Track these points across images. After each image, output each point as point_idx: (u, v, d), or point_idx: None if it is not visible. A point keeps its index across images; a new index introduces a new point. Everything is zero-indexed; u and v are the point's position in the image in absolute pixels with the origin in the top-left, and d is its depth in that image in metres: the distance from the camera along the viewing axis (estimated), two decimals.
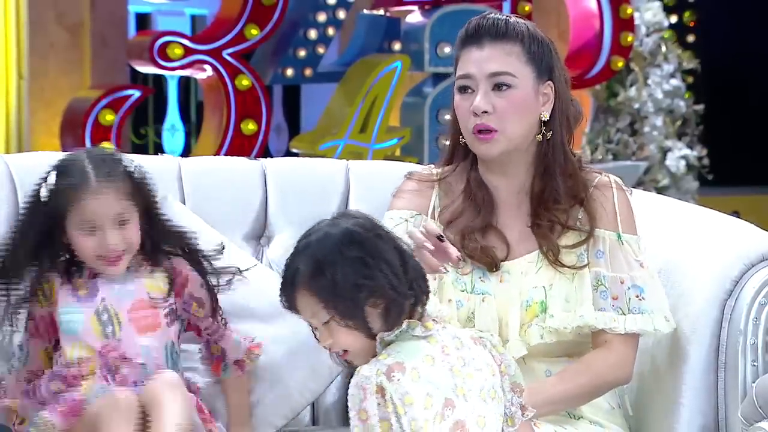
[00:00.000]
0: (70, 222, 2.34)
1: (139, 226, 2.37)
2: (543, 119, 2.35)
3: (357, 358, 2.10)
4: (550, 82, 2.36)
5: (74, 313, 2.35)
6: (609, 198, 2.37)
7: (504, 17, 2.36)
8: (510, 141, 2.33)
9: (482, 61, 2.32)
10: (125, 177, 2.37)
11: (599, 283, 2.32)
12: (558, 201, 2.35)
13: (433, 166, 2.49)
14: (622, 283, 2.32)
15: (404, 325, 2.07)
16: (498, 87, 2.32)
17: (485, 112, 2.31)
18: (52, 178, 2.35)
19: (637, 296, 2.32)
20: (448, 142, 2.46)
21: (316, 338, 2.14)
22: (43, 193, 2.35)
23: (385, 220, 2.42)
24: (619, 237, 2.35)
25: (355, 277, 2.05)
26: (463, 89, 2.35)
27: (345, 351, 2.10)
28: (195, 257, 2.44)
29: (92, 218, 2.33)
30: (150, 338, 2.36)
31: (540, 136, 2.35)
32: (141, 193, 2.39)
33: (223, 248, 2.50)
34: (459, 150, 2.43)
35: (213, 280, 2.46)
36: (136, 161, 2.42)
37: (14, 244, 2.35)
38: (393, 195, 2.46)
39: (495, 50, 2.32)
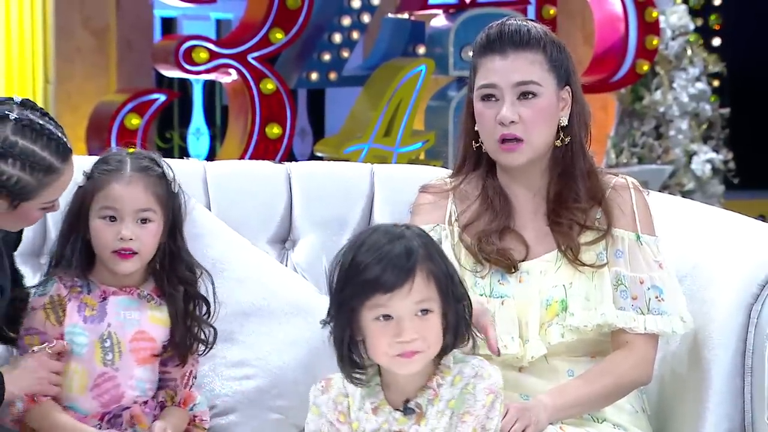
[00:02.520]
0: (94, 207, 2.32)
1: (159, 234, 2.34)
2: (561, 124, 2.36)
3: (421, 362, 2.05)
4: (567, 86, 2.36)
5: (79, 335, 2.31)
6: (627, 199, 2.37)
7: (526, 24, 2.35)
8: (535, 149, 2.33)
9: (507, 70, 2.31)
10: (160, 179, 2.35)
11: (619, 282, 2.32)
12: (578, 201, 2.35)
13: (447, 176, 2.48)
14: (641, 283, 2.32)
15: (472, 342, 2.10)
16: (524, 96, 2.32)
17: (512, 122, 2.31)
18: (91, 165, 2.36)
19: (657, 297, 2.32)
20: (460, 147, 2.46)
21: (350, 375, 2.08)
22: (81, 180, 2.35)
23: None
24: (638, 237, 2.35)
25: (459, 282, 2.07)
26: (487, 98, 2.34)
27: (417, 352, 2.03)
28: (195, 294, 2.39)
29: (116, 205, 2.30)
30: (146, 370, 2.34)
31: (559, 141, 2.36)
32: (172, 205, 2.36)
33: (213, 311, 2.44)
34: (471, 156, 2.42)
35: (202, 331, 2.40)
36: (174, 176, 2.39)
37: (59, 233, 2.37)
38: (410, 211, 2.46)
39: (519, 59, 2.32)
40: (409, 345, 2.02)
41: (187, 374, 2.40)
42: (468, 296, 2.10)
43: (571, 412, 2.25)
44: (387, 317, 2.02)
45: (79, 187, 2.35)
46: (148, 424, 2.32)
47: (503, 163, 2.36)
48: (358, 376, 2.08)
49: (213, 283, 2.42)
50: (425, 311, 2.02)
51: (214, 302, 2.42)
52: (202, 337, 2.39)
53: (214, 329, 2.41)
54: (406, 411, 2.06)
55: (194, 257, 2.42)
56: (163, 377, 2.38)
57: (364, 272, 2.01)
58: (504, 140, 2.32)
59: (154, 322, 2.35)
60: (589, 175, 2.37)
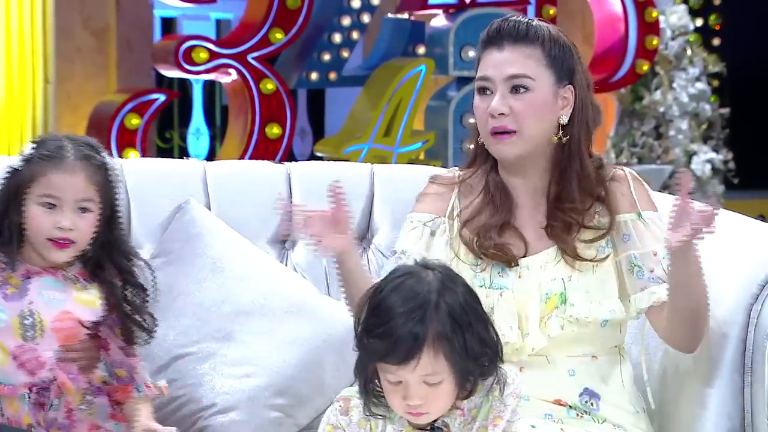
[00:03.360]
0: (32, 193, 2.29)
1: (95, 224, 2.32)
2: (561, 123, 2.36)
3: (431, 418, 2.05)
4: (570, 86, 2.36)
5: None
6: (626, 186, 2.39)
7: (526, 20, 2.37)
8: (526, 142, 2.34)
9: (501, 63, 2.33)
10: (101, 167, 2.33)
11: (633, 265, 2.34)
12: (573, 201, 2.36)
13: (457, 168, 2.50)
14: (655, 255, 2.32)
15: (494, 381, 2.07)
16: (515, 89, 2.33)
17: (502, 114, 2.32)
18: (29, 149, 2.33)
19: None
20: (471, 146, 2.48)
21: (368, 408, 2.07)
22: (17, 162, 2.32)
23: (405, 223, 2.43)
24: (640, 215, 2.36)
25: (482, 339, 2.02)
26: (482, 90, 2.36)
27: (422, 413, 2.03)
28: (133, 283, 2.37)
29: (57, 193, 2.28)
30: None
31: (557, 138, 2.36)
32: (110, 193, 2.34)
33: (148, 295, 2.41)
34: (481, 152, 2.44)
35: (139, 317, 2.37)
36: (113, 160, 2.37)
37: None
38: (416, 198, 2.48)
39: (514, 53, 2.33)
40: (415, 408, 2.02)
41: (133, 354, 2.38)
42: (494, 340, 2.04)
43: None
44: (397, 382, 2.02)
45: (15, 170, 2.32)
46: (75, 391, 2.30)
47: (496, 155, 2.37)
48: (377, 401, 2.07)
49: (152, 271, 2.40)
50: (438, 382, 2.01)
51: (155, 290, 2.39)
52: (144, 325, 2.37)
53: (153, 317, 2.38)
54: (434, 430, 2.07)
55: (132, 246, 2.41)
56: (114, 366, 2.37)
57: (376, 341, 2.01)
58: (495, 132, 2.33)
59: (80, 303, 2.33)
60: (588, 175, 2.37)
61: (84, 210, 2.30)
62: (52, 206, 2.29)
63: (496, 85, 2.33)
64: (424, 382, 2.00)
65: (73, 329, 2.31)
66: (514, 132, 2.32)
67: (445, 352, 1.99)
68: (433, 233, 2.40)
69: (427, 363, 1.99)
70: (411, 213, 2.45)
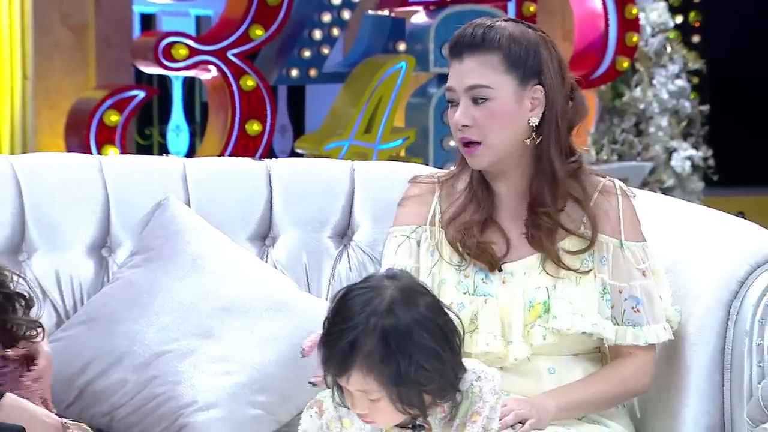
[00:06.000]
0: None
1: None
2: (532, 124, 2.32)
3: (378, 426, 2.07)
4: (539, 85, 2.32)
5: None
6: (613, 205, 2.35)
7: (485, 25, 2.33)
8: (495, 151, 2.32)
9: (461, 74, 2.33)
10: None
11: (605, 291, 2.33)
12: (545, 205, 2.32)
13: (441, 171, 2.49)
14: (620, 292, 2.32)
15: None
16: (475, 100, 2.32)
17: (465, 125, 2.31)
18: None
19: (633, 308, 2.32)
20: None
21: (339, 398, 2.07)
22: None
23: (390, 238, 2.42)
24: (622, 245, 2.34)
25: (423, 368, 2.00)
26: (450, 102, 2.37)
27: (371, 421, 2.05)
28: (7, 294, 2.29)
29: None
30: None
31: (528, 140, 2.33)
32: None
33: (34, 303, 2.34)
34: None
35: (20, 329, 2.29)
36: None
37: None
38: (398, 204, 2.46)
39: (472, 62, 2.32)
40: (362, 416, 2.04)
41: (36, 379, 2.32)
42: (446, 370, 2.02)
43: (571, 414, 2.26)
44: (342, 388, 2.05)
45: None
46: None
47: (470, 165, 2.36)
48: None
49: (24, 277, 2.37)
50: (375, 399, 2.02)
51: (34, 296, 2.34)
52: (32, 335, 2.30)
53: (41, 325, 2.31)
54: (415, 428, 2.07)
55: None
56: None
57: (321, 347, 2.04)
58: (464, 144, 2.33)
59: None
60: (570, 174, 2.34)
61: None
62: None
63: (459, 96, 2.33)
64: (368, 399, 2.01)
65: None
66: (479, 143, 2.31)
67: (375, 375, 1.99)
68: (418, 243, 2.39)
69: (357, 381, 2.00)
70: (394, 226, 2.43)
